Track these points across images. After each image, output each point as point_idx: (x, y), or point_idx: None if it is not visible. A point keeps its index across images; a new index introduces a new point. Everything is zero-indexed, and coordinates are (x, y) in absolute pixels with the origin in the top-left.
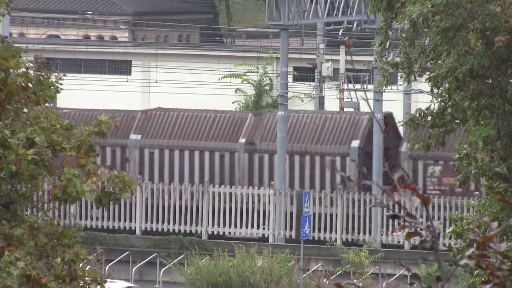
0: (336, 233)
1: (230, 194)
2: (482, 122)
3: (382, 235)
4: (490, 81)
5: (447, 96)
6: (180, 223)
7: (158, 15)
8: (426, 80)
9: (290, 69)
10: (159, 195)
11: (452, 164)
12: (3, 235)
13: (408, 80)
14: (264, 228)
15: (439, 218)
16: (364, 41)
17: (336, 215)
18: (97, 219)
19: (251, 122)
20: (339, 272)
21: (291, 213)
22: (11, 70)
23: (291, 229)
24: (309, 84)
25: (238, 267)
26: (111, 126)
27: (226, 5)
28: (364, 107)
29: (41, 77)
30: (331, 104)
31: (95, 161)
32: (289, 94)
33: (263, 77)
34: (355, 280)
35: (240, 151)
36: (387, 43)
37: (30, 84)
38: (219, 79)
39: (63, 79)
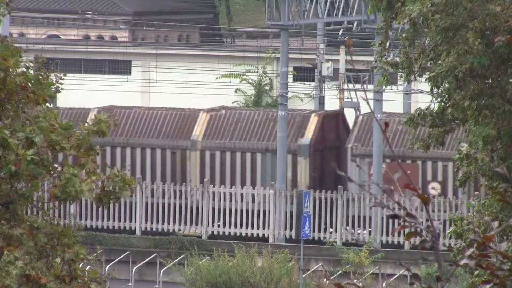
0: (336, 233)
1: (230, 194)
2: (482, 122)
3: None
4: (490, 81)
5: (447, 96)
6: (180, 223)
7: (158, 15)
8: (426, 80)
9: (290, 69)
10: None
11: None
12: (2, 235)
13: (408, 80)
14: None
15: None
16: (364, 41)
17: (336, 214)
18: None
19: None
20: (339, 272)
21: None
22: (11, 70)
23: (291, 229)
24: (309, 84)
25: (238, 267)
26: (110, 125)
27: (226, 5)
28: (364, 107)
29: (40, 77)
30: (331, 104)
31: (94, 160)
32: (289, 94)
33: (263, 77)
34: (355, 280)
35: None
36: (387, 43)
37: (29, 84)
38: (216, 78)
39: (63, 79)
